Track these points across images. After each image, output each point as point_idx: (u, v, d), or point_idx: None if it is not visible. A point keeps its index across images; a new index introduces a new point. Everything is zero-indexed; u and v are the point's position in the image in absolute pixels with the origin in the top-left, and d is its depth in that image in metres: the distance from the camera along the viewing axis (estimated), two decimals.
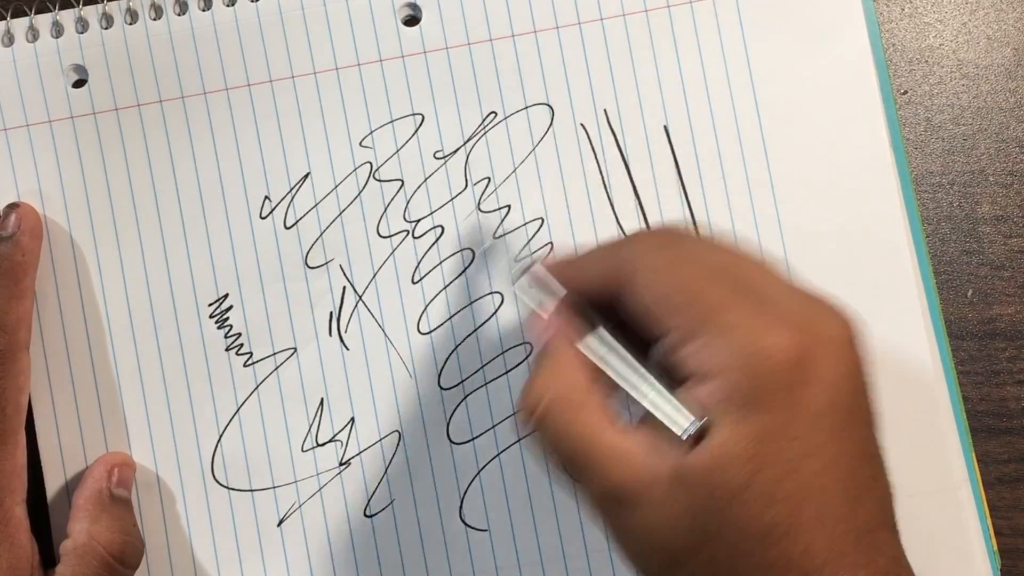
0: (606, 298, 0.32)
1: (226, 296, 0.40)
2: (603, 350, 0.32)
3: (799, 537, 0.28)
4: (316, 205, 0.40)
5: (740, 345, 0.29)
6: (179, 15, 0.41)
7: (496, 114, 0.41)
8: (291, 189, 0.41)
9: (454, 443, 0.40)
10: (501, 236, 0.40)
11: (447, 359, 0.40)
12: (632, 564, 0.31)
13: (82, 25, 0.40)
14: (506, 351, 0.40)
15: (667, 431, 0.30)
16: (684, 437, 0.29)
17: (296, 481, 0.40)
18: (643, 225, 0.40)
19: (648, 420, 0.31)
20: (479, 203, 0.41)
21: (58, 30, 0.41)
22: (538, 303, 0.35)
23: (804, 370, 0.28)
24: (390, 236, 0.41)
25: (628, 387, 0.31)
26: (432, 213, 0.41)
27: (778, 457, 0.28)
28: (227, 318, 0.40)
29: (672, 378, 0.30)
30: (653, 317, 0.30)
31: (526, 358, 0.40)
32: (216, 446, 0.40)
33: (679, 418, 0.30)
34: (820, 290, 0.31)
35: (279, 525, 0.40)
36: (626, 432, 0.31)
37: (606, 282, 0.32)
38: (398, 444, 0.40)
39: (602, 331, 0.33)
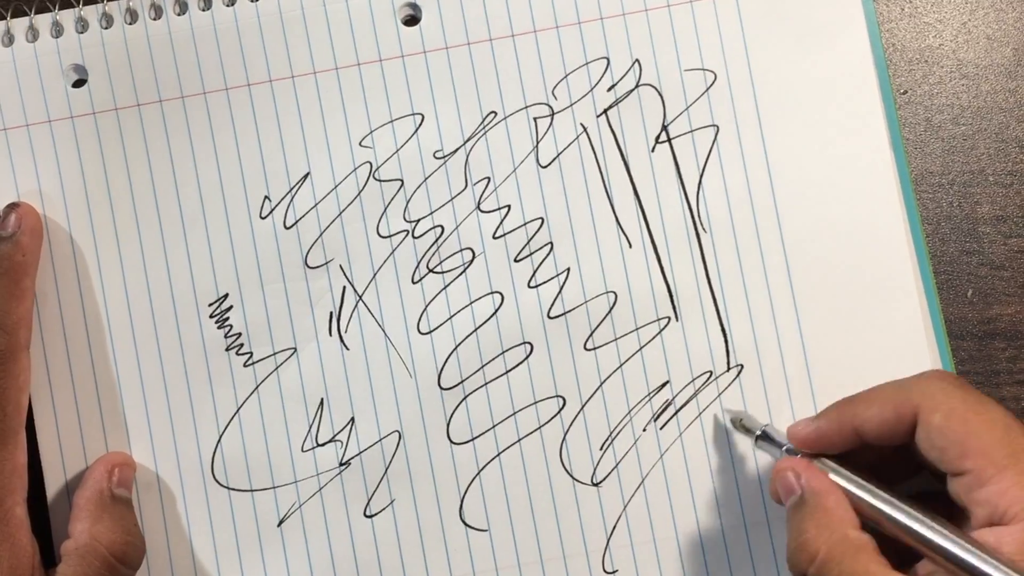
0: (887, 435, 0.33)
1: (226, 296, 0.40)
2: (881, 499, 0.33)
3: None
4: (316, 205, 0.40)
5: None
6: (179, 15, 0.41)
7: (496, 114, 0.41)
8: (291, 189, 0.41)
9: (454, 443, 0.40)
10: (501, 236, 0.40)
11: (447, 359, 0.40)
12: None
13: (82, 25, 0.40)
14: (506, 351, 0.40)
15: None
16: None
17: (296, 481, 0.40)
18: (643, 224, 0.40)
19: (923, 561, 0.32)
20: (479, 203, 0.41)
21: (58, 30, 0.40)
22: (781, 451, 0.36)
23: None
24: (390, 236, 0.41)
25: (933, 535, 0.31)
26: (432, 213, 0.41)
27: None
28: (227, 318, 0.40)
29: (962, 515, 0.31)
30: (950, 456, 0.31)
31: (526, 358, 0.40)
32: (216, 446, 0.40)
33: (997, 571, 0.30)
34: None
35: (279, 525, 0.40)
36: (906, 573, 0.31)
37: (897, 417, 0.33)
38: (398, 444, 0.40)
39: (866, 482, 0.33)
